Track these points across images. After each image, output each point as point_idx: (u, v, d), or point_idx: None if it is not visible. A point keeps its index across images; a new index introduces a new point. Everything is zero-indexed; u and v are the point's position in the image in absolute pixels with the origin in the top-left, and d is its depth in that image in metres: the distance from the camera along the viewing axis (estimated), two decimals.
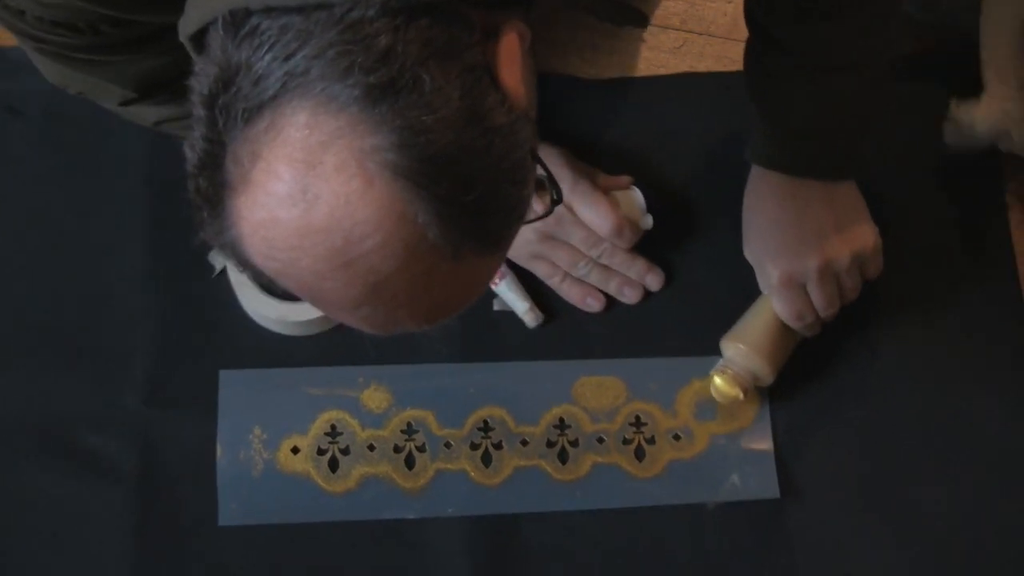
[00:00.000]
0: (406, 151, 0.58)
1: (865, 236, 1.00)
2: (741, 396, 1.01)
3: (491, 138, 0.61)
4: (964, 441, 1.03)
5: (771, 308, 1.01)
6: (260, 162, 0.58)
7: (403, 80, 0.58)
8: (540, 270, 1.04)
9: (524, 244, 1.02)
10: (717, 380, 1.01)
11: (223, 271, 1.05)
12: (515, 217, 0.64)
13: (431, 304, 0.63)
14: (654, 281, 1.05)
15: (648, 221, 1.04)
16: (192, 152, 0.62)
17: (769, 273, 0.99)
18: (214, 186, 0.61)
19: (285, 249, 0.60)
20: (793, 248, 0.98)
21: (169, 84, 0.91)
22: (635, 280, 1.05)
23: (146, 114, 0.97)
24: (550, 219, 0.97)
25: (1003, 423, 1.04)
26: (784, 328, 1.01)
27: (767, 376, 1.01)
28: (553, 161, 1.01)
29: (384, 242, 0.59)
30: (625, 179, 1.05)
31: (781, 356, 1.02)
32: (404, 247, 0.59)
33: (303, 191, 0.58)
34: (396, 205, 0.58)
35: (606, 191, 1.02)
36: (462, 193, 0.60)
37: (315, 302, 0.64)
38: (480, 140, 0.60)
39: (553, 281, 1.04)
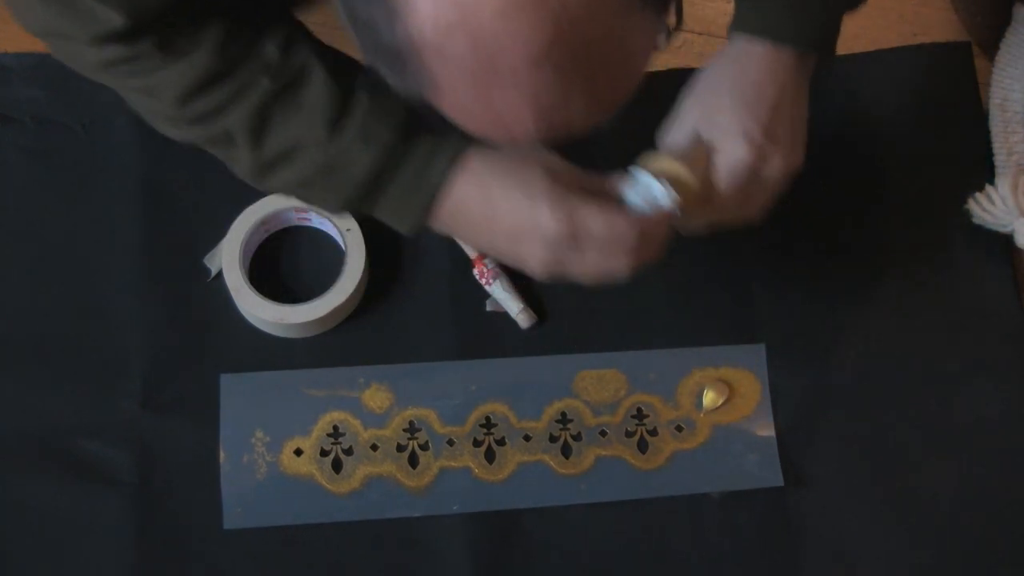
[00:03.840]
0: None
1: (799, 154, 0.88)
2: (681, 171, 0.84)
3: None
4: (966, 427, 1.04)
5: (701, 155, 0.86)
6: None
7: None
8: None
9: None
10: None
11: (219, 275, 1.04)
12: None
13: (607, 77, 0.63)
14: None
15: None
16: None
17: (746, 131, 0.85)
18: None
19: None
20: (760, 127, 0.86)
21: (166, 14, 0.77)
22: None
23: (101, 55, 0.80)
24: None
25: (1004, 409, 1.05)
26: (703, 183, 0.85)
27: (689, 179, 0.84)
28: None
29: None
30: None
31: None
32: None
33: None
34: None
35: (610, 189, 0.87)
36: None
37: (487, 67, 0.60)
38: None
39: None
